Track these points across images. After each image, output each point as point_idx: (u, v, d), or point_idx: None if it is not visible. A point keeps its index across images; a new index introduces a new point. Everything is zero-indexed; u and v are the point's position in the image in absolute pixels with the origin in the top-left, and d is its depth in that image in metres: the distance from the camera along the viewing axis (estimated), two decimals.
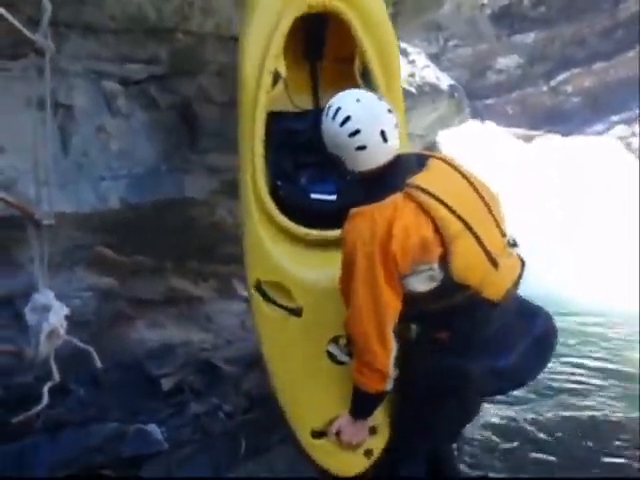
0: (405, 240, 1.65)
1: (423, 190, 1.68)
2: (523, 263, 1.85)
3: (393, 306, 1.70)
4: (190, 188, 2.80)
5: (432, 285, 1.68)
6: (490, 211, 1.79)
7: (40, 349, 1.64)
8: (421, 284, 1.68)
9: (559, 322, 1.95)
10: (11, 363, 2.31)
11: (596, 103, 11.01)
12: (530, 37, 11.20)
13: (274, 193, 2.27)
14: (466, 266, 1.69)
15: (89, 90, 2.72)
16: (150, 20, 2.92)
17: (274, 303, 2.09)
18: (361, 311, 1.71)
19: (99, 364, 1.76)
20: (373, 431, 1.94)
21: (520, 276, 1.82)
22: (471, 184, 1.80)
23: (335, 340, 1.98)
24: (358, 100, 1.77)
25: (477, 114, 9.28)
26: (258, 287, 2.12)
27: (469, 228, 1.69)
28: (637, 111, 10.17)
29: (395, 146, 1.77)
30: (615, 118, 10.74)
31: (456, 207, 1.68)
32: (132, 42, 2.96)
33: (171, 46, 3.02)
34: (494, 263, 1.73)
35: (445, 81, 5.22)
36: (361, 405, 1.84)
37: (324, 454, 1.97)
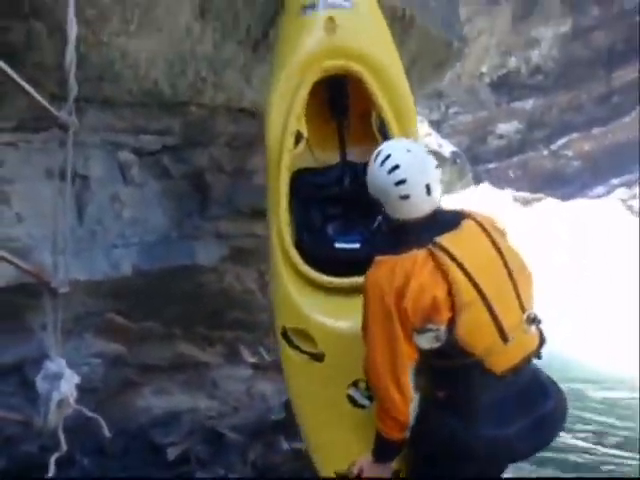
0: (418, 298, 1.67)
1: (446, 251, 1.69)
2: (542, 341, 1.84)
3: (409, 356, 1.71)
4: (200, 255, 2.85)
5: (436, 344, 1.70)
6: (514, 284, 1.78)
7: (49, 418, 1.63)
8: (426, 342, 1.70)
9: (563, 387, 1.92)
10: (17, 432, 2.29)
11: (596, 166, 11.24)
12: (529, 104, 11.58)
13: (300, 246, 2.37)
14: (472, 335, 1.69)
15: (105, 161, 2.83)
16: (165, 94, 3.08)
17: (298, 349, 2.18)
18: (377, 359, 1.73)
19: (108, 433, 1.75)
20: (397, 475, 1.94)
21: (535, 353, 1.82)
22: (500, 254, 1.79)
23: (355, 384, 2.04)
24: (409, 151, 1.82)
25: (479, 178, 9.47)
26: (284, 334, 2.22)
27: (483, 298, 1.70)
28: (637, 174, 10.37)
29: (437, 200, 1.81)
30: (615, 181, 10.94)
31: (475, 275, 1.69)
32: (147, 115, 3.10)
33: (184, 118, 3.17)
34: (504, 337, 1.72)
35: (447, 148, 5.37)
36: (382, 449, 1.84)
37: None
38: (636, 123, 11.35)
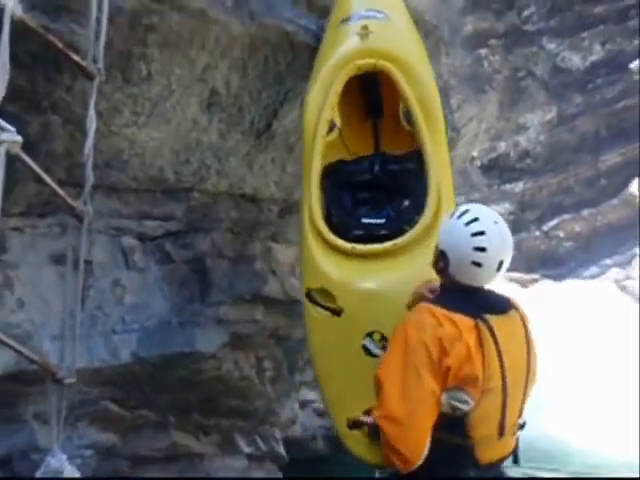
0: (462, 362, 1.64)
1: (491, 331, 1.67)
2: (516, 447, 1.84)
3: (434, 409, 1.67)
4: (199, 341, 2.83)
5: (452, 413, 1.67)
6: (525, 388, 1.79)
7: None
8: (448, 406, 1.67)
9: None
10: None
11: (588, 247, 11.40)
12: (519, 186, 11.90)
13: (329, 219, 2.63)
14: (481, 419, 1.68)
15: (108, 246, 2.86)
16: (169, 181, 3.16)
17: (320, 305, 2.42)
18: (398, 398, 1.70)
19: None
20: None
21: (506, 458, 1.82)
22: (528, 354, 1.80)
23: (370, 335, 2.25)
24: (496, 222, 1.79)
25: None
26: (308, 294, 2.48)
27: (504, 390, 1.69)
28: (629, 255, 10.50)
29: (497, 278, 1.81)
30: (609, 261, 11.06)
31: (506, 365, 1.69)
32: (151, 200, 3.17)
33: (187, 204, 3.24)
34: (501, 432, 1.72)
35: None
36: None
37: (357, 444, 2.14)
38: (623, 205, 11.62)
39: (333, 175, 2.81)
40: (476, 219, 1.77)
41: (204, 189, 3.28)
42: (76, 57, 2.05)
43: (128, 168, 2.97)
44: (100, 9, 2.21)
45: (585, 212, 11.72)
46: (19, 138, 1.78)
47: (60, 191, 1.98)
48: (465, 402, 1.66)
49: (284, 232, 3.54)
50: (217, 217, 3.19)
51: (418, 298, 2.00)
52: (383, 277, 2.40)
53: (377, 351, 2.23)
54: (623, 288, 9.87)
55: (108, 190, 3.03)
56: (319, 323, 2.44)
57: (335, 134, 2.77)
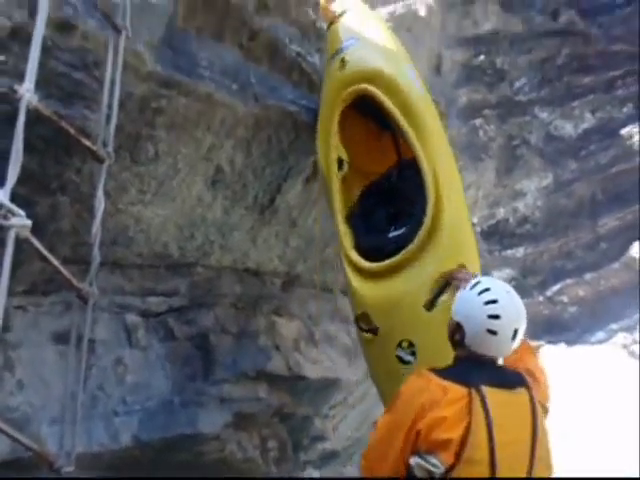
0: (434, 428, 1.65)
1: (483, 402, 1.66)
2: None
3: (396, 471, 1.70)
4: (202, 422, 2.75)
5: (424, 475, 1.65)
6: (530, 471, 1.72)
7: None
8: (419, 470, 1.66)
9: None
10: None
11: (593, 312, 11.31)
12: (520, 252, 11.95)
13: (358, 246, 2.82)
14: None
15: (111, 323, 2.84)
16: (173, 256, 3.17)
17: (363, 330, 2.66)
18: (373, 451, 1.79)
19: None
20: None
21: None
22: (533, 440, 1.74)
23: (400, 344, 2.48)
24: (508, 292, 1.82)
25: None
26: (356, 322, 2.72)
27: (492, 465, 1.64)
28: (635, 318, 10.40)
29: (511, 350, 1.80)
30: (615, 326, 10.94)
31: (499, 441, 1.65)
32: (155, 276, 3.17)
33: (191, 279, 3.23)
34: None
35: None
36: None
37: None
38: (625, 268, 11.62)
39: (365, 200, 3.06)
40: (488, 289, 1.81)
41: (208, 264, 3.30)
42: (87, 142, 2.11)
43: (133, 244, 2.99)
44: (112, 95, 2.31)
45: (588, 276, 11.72)
46: (28, 222, 1.80)
47: (66, 273, 1.98)
48: (434, 465, 1.64)
49: (287, 306, 3.53)
50: (220, 292, 3.18)
51: (447, 276, 2.38)
52: (398, 288, 2.59)
53: (408, 357, 2.47)
54: (632, 353, 9.70)
55: (112, 266, 3.03)
56: (368, 345, 2.68)
57: (345, 169, 2.94)
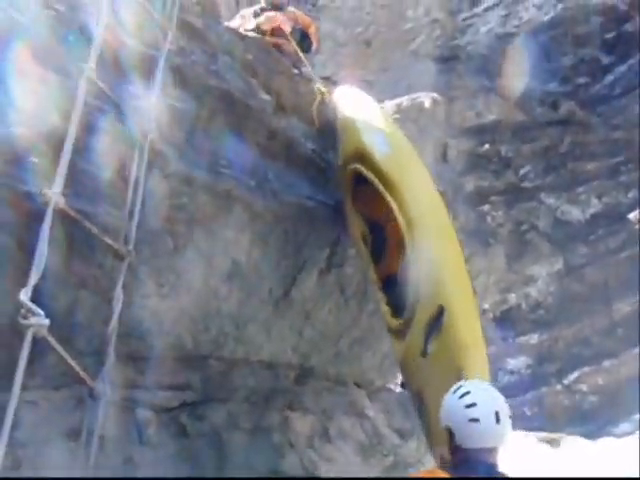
0: None
1: None
2: None
3: None
4: None
5: None
6: None
7: None
8: None
9: None
10: None
11: (615, 401, 10.87)
12: (534, 338, 11.71)
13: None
14: None
15: (122, 419, 2.77)
16: (187, 348, 3.15)
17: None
18: None
19: None
20: None
21: None
22: None
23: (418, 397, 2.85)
24: (484, 388, 1.98)
25: None
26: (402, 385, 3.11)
27: None
28: None
29: (505, 434, 1.85)
30: (637, 417, 10.46)
31: None
32: (168, 369, 3.13)
33: (203, 373, 3.19)
34: None
35: None
36: None
37: None
38: None
39: None
40: (468, 392, 1.92)
41: (221, 356, 3.26)
42: (110, 241, 2.17)
43: (147, 336, 2.98)
44: (135, 193, 2.40)
45: (606, 363, 11.36)
46: (46, 322, 1.82)
47: (80, 370, 1.97)
48: None
49: (301, 400, 3.44)
50: (233, 386, 3.12)
51: None
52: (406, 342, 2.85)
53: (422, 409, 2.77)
54: None
55: (125, 359, 3.01)
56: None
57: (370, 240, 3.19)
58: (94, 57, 2.21)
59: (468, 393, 1.89)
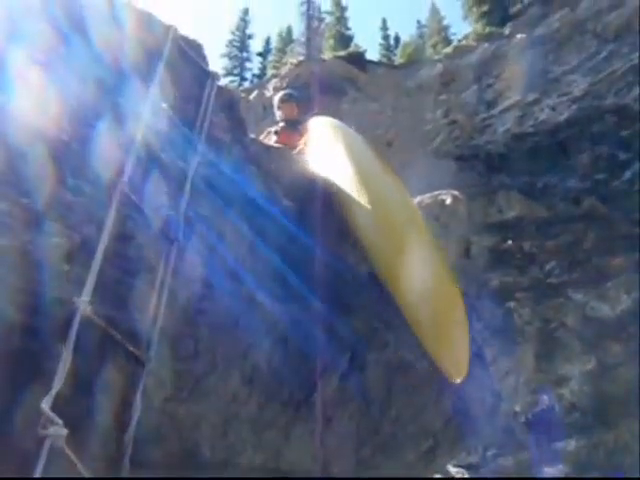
0: None
1: None
2: None
3: None
4: None
5: None
6: None
7: None
8: None
9: None
10: None
11: None
12: (571, 444, 11.03)
13: None
14: None
15: None
16: (204, 455, 3.06)
17: None
18: None
19: None
20: None
21: None
22: None
23: None
24: None
25: None
26: None
27: None
28: None
29: None
30: None
31: None
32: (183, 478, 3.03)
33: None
34: None
35: None
36: None
37: None
38: None
39: None
40: None
41: (238, 463, 3.15)
42: (132, 347, 2.20)
43: (164, 442, 2.91)
44: (160, 298, 2.45)
45: None
46: (64, 432, 1.81)
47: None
48: None
49: None
50: None
51: None
52: None
53: None
54: None
55: (140, 466, 2.93)
56: None
57: None
58: (129, 171, 2.36)
59: None
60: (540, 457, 9.86)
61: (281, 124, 5.10)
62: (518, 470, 10.22)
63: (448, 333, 3.41)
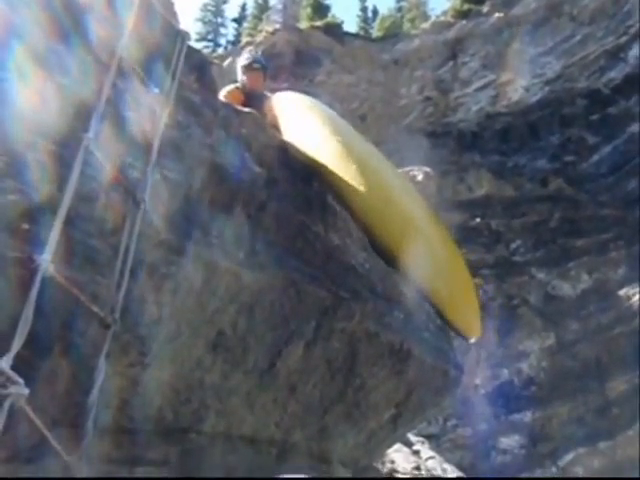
0: None
1: None
2: None
3: None
4: None
5: None
6: None
7: None
8: None
9: None
10: None
11: None
12: (527, 416, 11.46)
13: None
14: None
15: None
16: (166, 420, 3.05)
17: None
18: None
19: None
20: None
21: None
22: None
23: None
24: None
25: None
26: None
27: None
28: None
29: None
30: None
31: None
32: (145, 443, 3.02)
33: (182, 447, 3.08)
34: None
35: (451, 470, 5.14)
36: None
37: None
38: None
39: None
40: None
41: (202, 430, 3.16)
42: (96, 309, 2.15)
43: (126, 408, 2.90)
44: (124, 262, 2.40)
45: (602, 445, 11.05)
46: (25, 391, 1.77)
47: (57, 445, 1.90)
48: None
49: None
50: (213, 462, 3.01)
51: None
52: None
53: None
54: None
55: (101, 431, 2.91)
56: None
57: None
58: (94, 127, 2.28)
59: None
60: (497, 428, 10.22)
61: (238, 85, 4.72)
62: (476, 440, 10.57)
63: (461, 296, 3.56)
